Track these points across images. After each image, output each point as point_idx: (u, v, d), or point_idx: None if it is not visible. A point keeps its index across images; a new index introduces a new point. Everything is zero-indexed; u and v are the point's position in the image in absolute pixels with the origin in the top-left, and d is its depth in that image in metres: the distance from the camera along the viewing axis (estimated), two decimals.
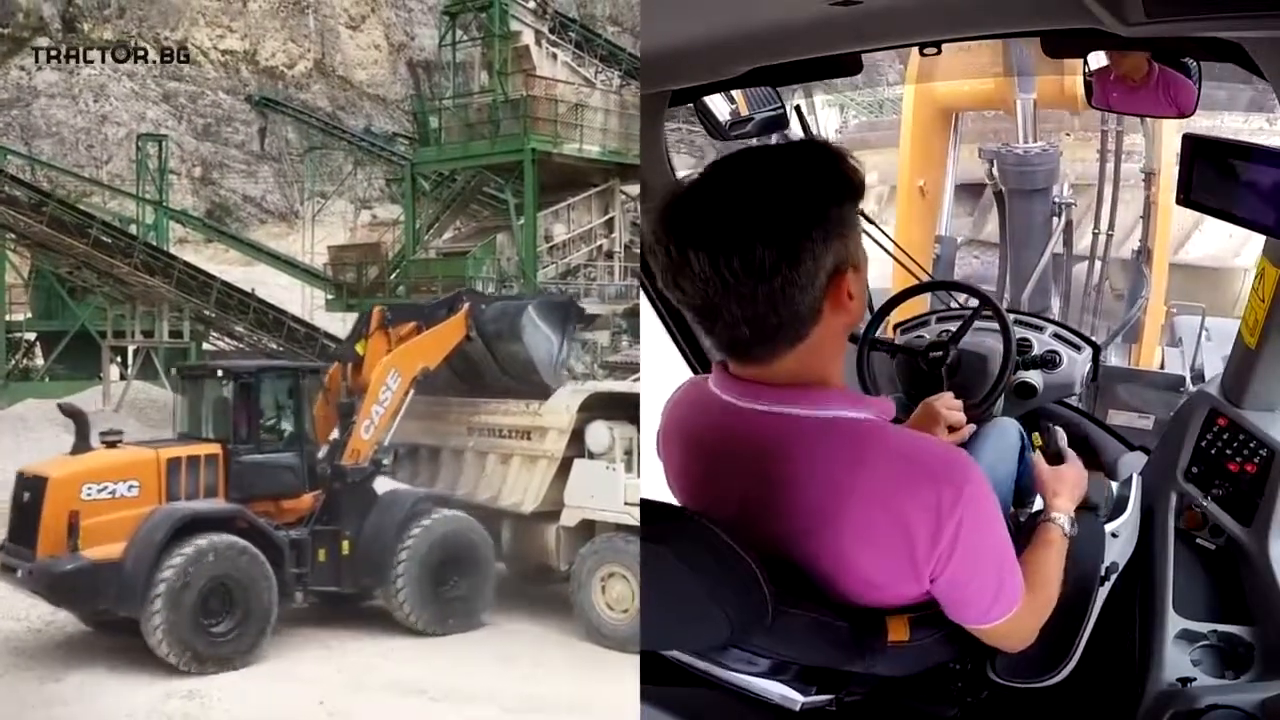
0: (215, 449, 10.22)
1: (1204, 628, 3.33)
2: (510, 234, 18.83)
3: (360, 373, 11.06)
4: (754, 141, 4.08)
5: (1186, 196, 2.76)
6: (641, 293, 5.02)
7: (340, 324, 18.12)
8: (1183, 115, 3.32)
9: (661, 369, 5.22)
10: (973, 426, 3.50)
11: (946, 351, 4.35)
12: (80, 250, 17.63)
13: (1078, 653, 2.94)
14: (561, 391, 11.90)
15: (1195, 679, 3.16)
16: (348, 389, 11.07)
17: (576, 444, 10.90)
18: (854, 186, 2.17)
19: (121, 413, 17.27)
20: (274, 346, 18.59)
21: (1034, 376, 4.52)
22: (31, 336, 20.34)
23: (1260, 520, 3.41)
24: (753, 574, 2.25)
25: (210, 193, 27.68)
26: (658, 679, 2.71)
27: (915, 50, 3.55)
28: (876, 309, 4.60)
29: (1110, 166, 10.10)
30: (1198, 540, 3.60)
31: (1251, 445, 3.54)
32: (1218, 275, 10.31)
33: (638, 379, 12.49)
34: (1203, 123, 8.78)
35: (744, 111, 4.09)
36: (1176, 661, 3.26)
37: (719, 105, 4.09)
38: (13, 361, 19.67)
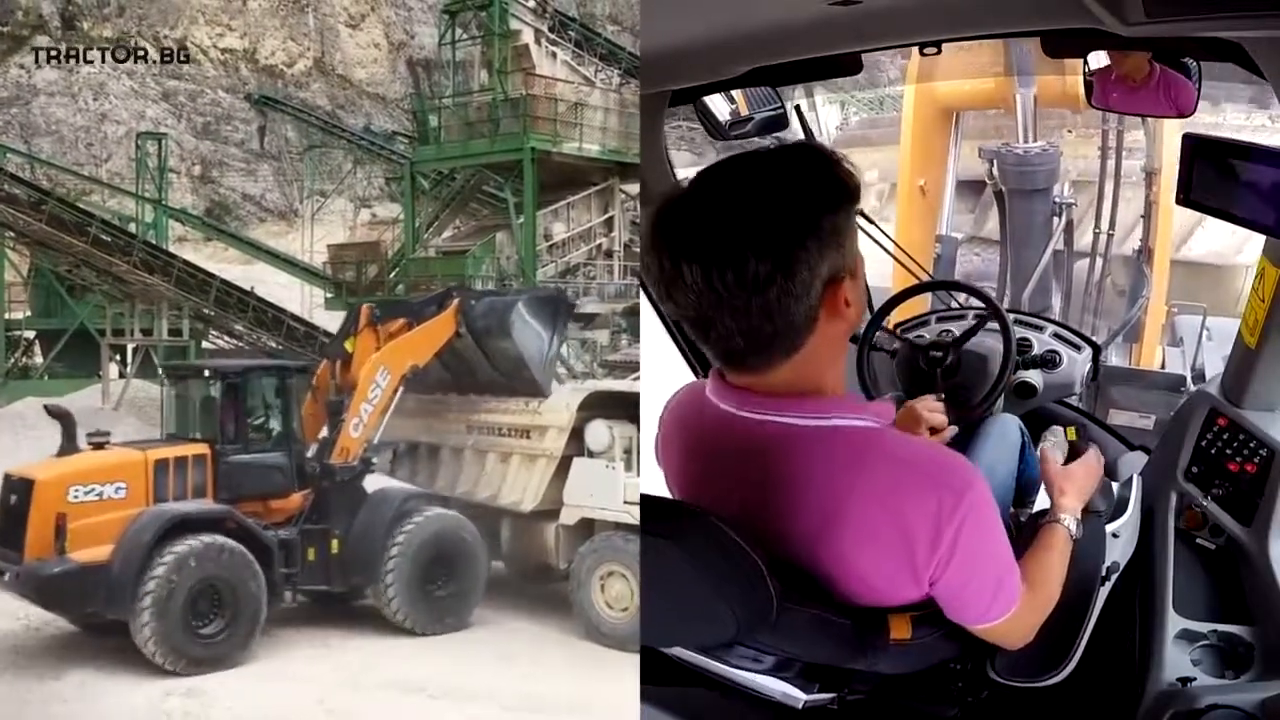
0: (203, 449, 10.18)
1: (1204, 628, 3.33)
2: (510, 233, 18.82)
3: (349, 370, 11.01)
4: (755, 144, 4.08)
5: (1186, 196, 2.77)
6: (641, 292, 5.03)
7: (339, 323, 18.09)
8: (1182, 115, 3.32)
9: (661, 368, 5.22)
10: (954, 429, 3.51)
11: (947, 351, 4.35)
12: (79, 248, 17.62)
13: (1078, 653, 2.94)
14: (561, 390, 11.90)
15: (1195, 679, 3.17)
16: (336, 387, 11.03)
17: (576, 443, 10.90)
18: (848, 192, 2.14)
19: (120, 411, 17.27)
20: (273, 345, 18.58)
21: (1034, 376, 4.52)
22: (31, 335, 20.30)
23: (1260, 520, 3.41)
24: (759, 570, 2.25)
25: (210, 191, 27.66)
26: (658, 677, 2.71)
27: (915, 50, 3.55)
28: (876, 309, 4.60)
29: (1111, 165, 10.08)
30: (1198, 540, 3.61)
31: (1251, 445, 3.54)
32: (1219, 273, 10.32)
33: (637, 378, 12.51)
34: (1205, 119, 8.78)
35: (744, 111, 4.10)
36: (1176, 661, 3.26)
37: (719, 105, 4.09)
38: (12, 360, 19.64)
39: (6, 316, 19.67)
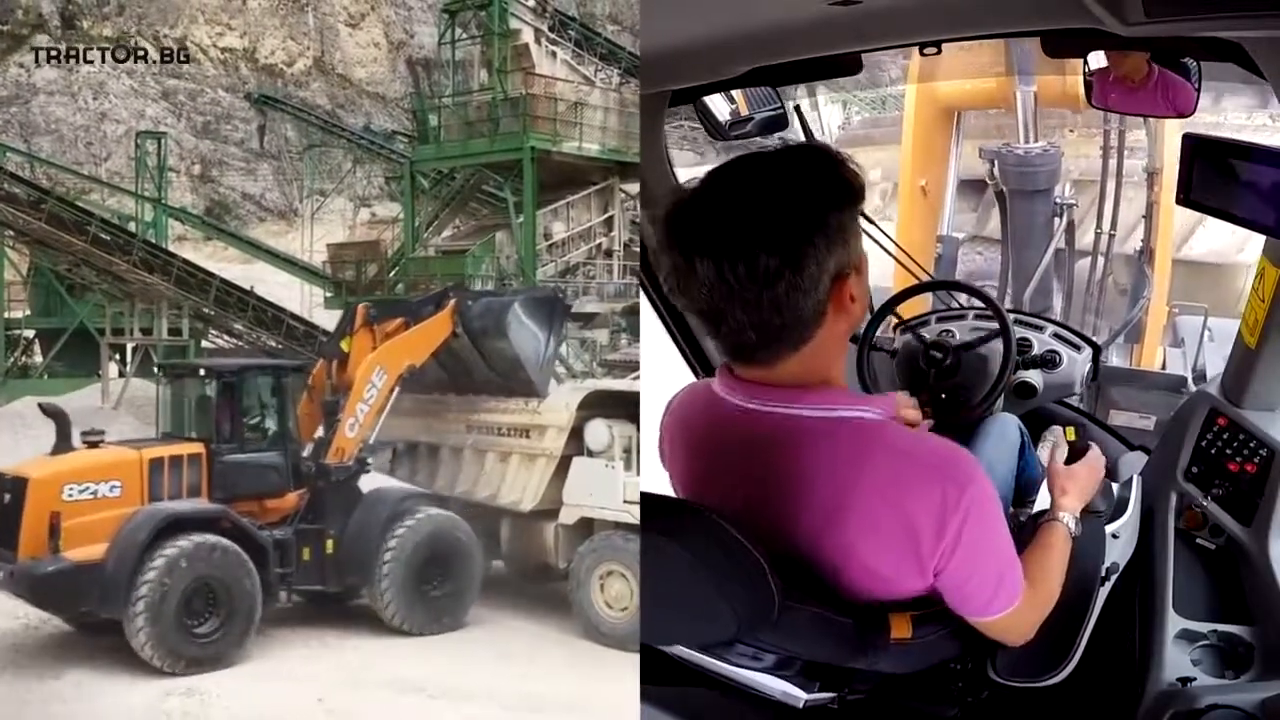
0: (198, 448, 10.14)
1: (1204, 628, 3.33)
2: (509, 232, 18.81)
3: (345, 370, 10.96)
4: (757, 144, 4.08)
5: (1186, 196, 2.77)
6: (641, 291, 5.02)
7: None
8: (1181, 116, 3.33)
9: (661, 367, 5.22)
10: (929, 423, 3.52)
11: (947, 352, 4.35)
12: (79, 247, 17.61)
13: (1078, 653, 2.94)
14: (561, 389, 11.89)
15: (1195, 679, 3.17)
16: (332, 387, 10.98)
17: (575, 442, 10.89)
18: (854, 191, 2.21)
19: (120, 410, 17.27)
20: (273, 344, 18.57)
21: (1034, 376, 4.52)
22: (30, 334, 20.29)
23: (1260, 520, 3.41)
24: (760, 568, 2.27)
25: (209, 190, 27.66)
26: (658, 677, 2.72)
27: (916, 49, 3.55)
28: (877, 309, 4.60)
29: (1113, 165, 10.06)
30: (1198, 540, 3.61)
31: (1251, 445, 3.54)
32: (1220, 271, 10.30)
33: (637, 377, 12.51)
34: (1206, 119, 8.76)
35: (744, 111, 4.09)
36: (1176, 661, 3.26)
37: (719, 105, 4.09)
38: (11, 359, 19.63)
39: (6, 315, 19.66)
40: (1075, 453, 2.99)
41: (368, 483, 10.89)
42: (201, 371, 11.07)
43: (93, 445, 9.95)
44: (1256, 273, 3.28)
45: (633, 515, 9.79)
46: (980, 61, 9.52)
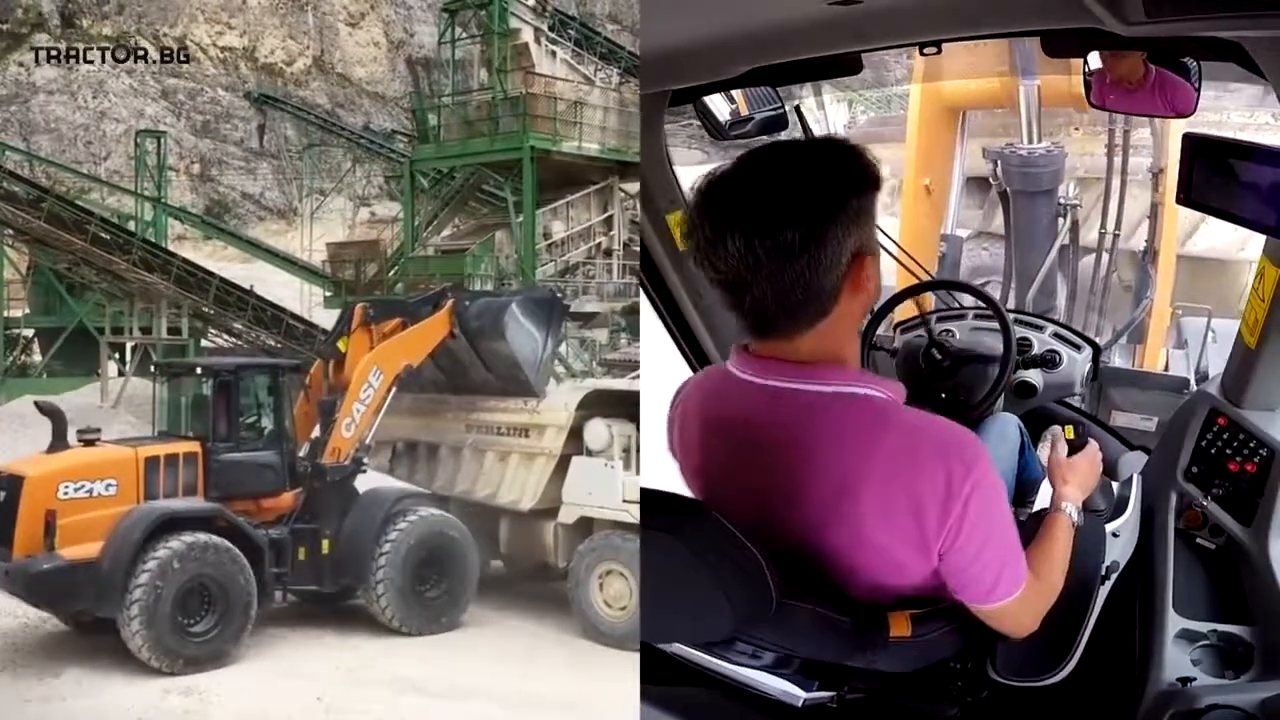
0: (194, 447, 10.11)
1: (1204, 627, 3.34)
2: (509, 232, 18.81)
3: (342, 370, 10.92)
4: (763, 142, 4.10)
5: (1186, 196, 2.77)
6: (641, 291, 5.02)
7: None
8: (1180, 116, 3.33)
9: (661, 366, 5.22)
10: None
11: (947, 351, 4.35)
12: (78, 246, 17.60)
13: (1078, 652, 2.94)
14: (560, 389, 11.88)
15: (1195, 679, 3.17)
16: (329, 386, 10.94)
17: (575, 441, 10.87)
18: (872, 179, 2.34)
19: (119, 409, 17.27)
20: (272, 343, 18.56)
21: (1034, 376, 4.52)
22: (29, 333, 20.29)
23: (1260, 520, 3.41)
24: (758, 563, 2.31)
25: (209, 189, 27.65)
26: (657, 676, 2.72)
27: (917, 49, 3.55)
28: (878, 308, 4.60)
29: (1118, 164, 10.00)
30: (1198, 540, 3.61)
31: (1251, 445, 3.54)
32: (1223, 268, 10.26)
33: (637, 376, 12.51)
34: (1209, 117, 8.74)
35: (744, 111, 4.10)
36: (1176, 661, 3.27)
37: (719, 105, 4.09)
38: (10, 358, 19.64)
39: (5, 314, 19.66)
40: (1074, 449, 3.01)
41: (364, 482, 10.86)
42: (198, 370, 11.04)
43: (89, 443, 9.92)
44: (1256, 272, 3.28)
45: (632, 514, 9.79)
46: (984, 60, 9.49)
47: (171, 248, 20.77)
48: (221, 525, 9.66)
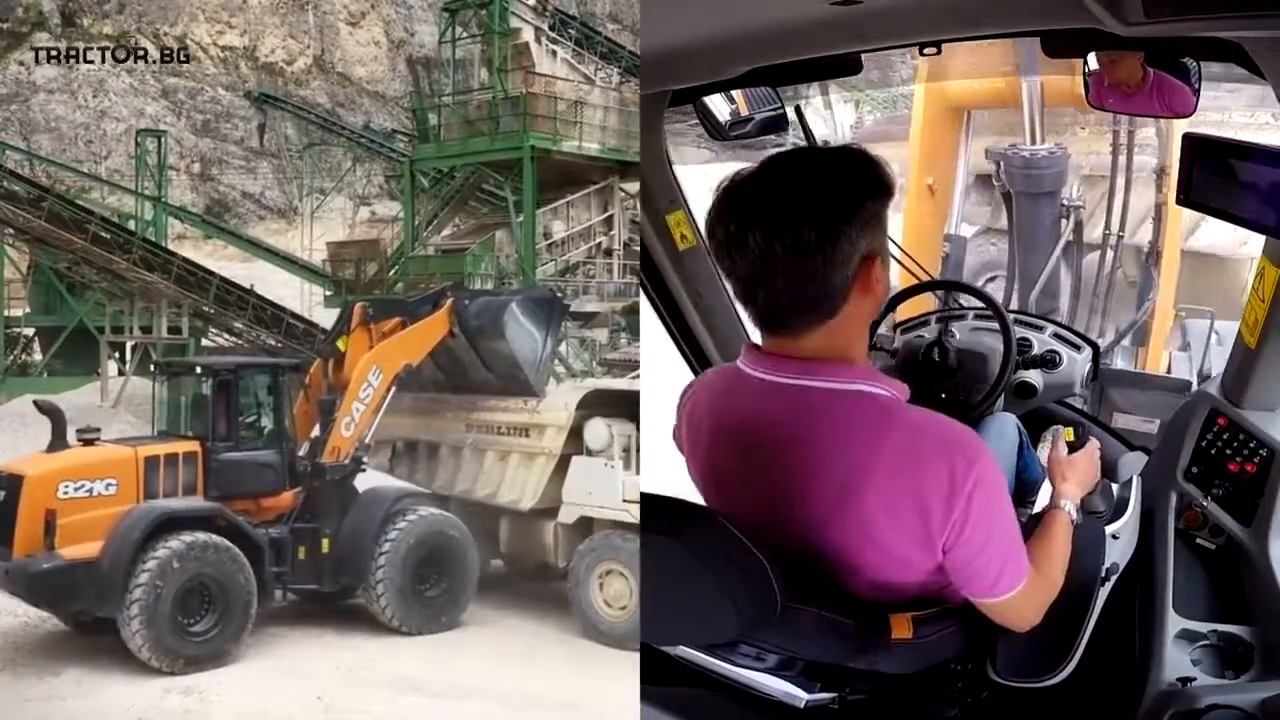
0: (194, 446, 10.10)
1: (1204, 628, 3.34)
2: (509, 231, 18.80)
3: (342, 369, 10.91)
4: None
5: (1186, 196, 2.77)
6: (641, 290, 5.02)
7: None
8: (1179, 117, 3.33)
9: (661, 366, 5.22)
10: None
11: (947, 351, 4.35)
12: (79, 246, 17.58)
13: (1078, 653, 2.94)
14: (560, 389, 11.88)
15: (1195, 679, 3.17)
16: (329, 386, 10.93)
17: (575, 441, 10.87)
18: (885, 186, 2.42)
19: (119, 409, 17.26)
20: (272, 343, 18.56)
21: (1034, 376, 4.52)
22: (30, 332, 20.29)
23: (1260, 520, 3.41)
24: (763, 567, 2.34)
25: (209, 189, 27.65)
26: (657, 676, 2.72)
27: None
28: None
29: (1122, 161, 9.93)
30: (1198, 540, 3.61)
31: (1251, 445, 3.54)
32: (1226, 266, 10.21)
33: (637, 376, 12.51)
34: (1212, 116, 8.71)
35: (744, 111, 4.10)
36: (1176, 661, 3.27)
37: (719, 105, 4.09)
38: (11, 357, 19.63)
39: (6, 314, 19.66)
40: (1074, 450, 3.02)
41: (364, 482, 10.85)
42: (198, 369, 11.01)
43: (88, 443, 9.91)
44: (1256, 273, 3.28)
45: (632, 514, 9.79)
46: (990, 60, 9.44)
47: (172, 247, 20.76)
48: (221, 525, 9.65)
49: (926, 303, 5.25)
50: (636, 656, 2.77)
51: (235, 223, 27.00)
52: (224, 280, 19.04)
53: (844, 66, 3.66)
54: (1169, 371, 8.12)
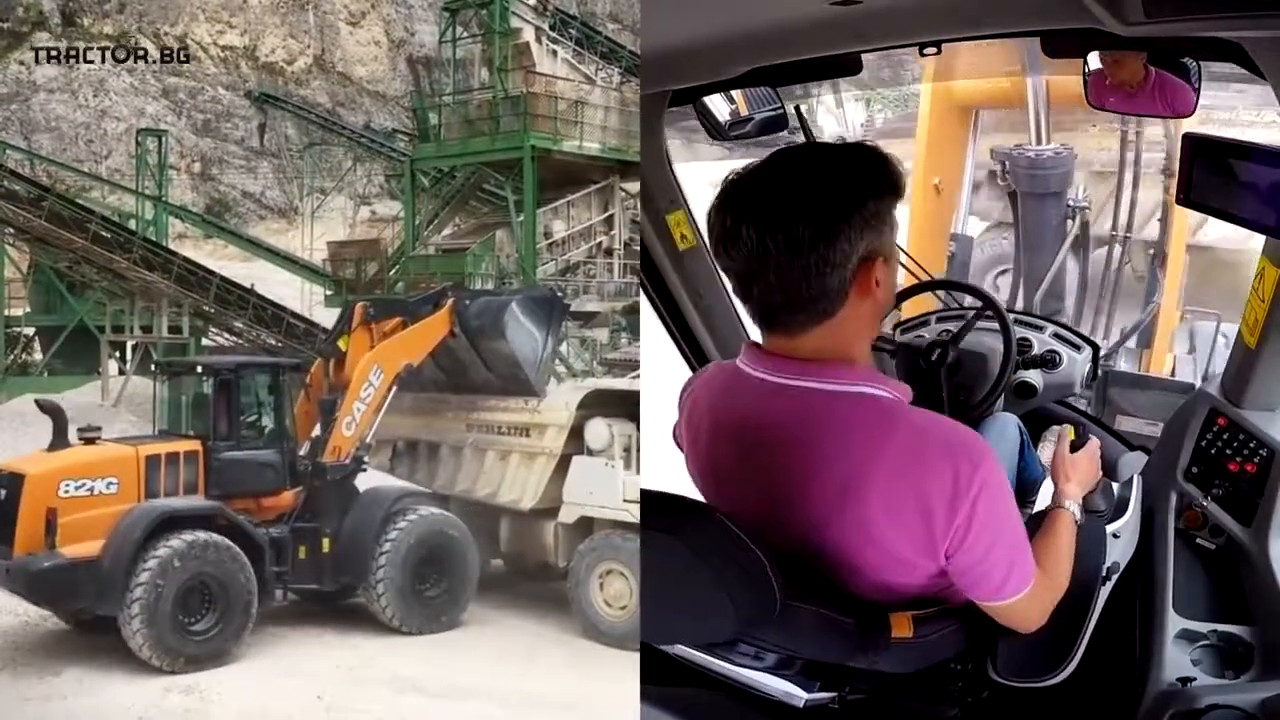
0: (195, 446, 10.10)
1: (1204, 628, 3.34)
2: (510, 231, 18.81)
3: (342, 369, 10.90)
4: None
5: (1186, 196, 2.77)
6: (641, 290, 5.03)
7: None
8: (1180, 116, 3.33)
9: (661, 366, 5.22)
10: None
11: (946, 351, 4.34)
12: (79, 245, 17.58)
13: (1078, 653, 2.94)
14: (561, 388, 11.87)
15: (1195, 679, 3.17)
16: (330, 385, 10.93)
17: (575, 441, 10.86)
18: (893, 184, 2.37)
19: (120, 408, 17.26)
20: (273, 342, 18.56)
21: (1034, 376, 4.50)
22: (30, 331, 20.29)
23: (1260, 520, 3.41)
24: (761, 565, 2.32)
25: (210, 188, 27.66)
26: (657, 676, 2.72)
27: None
28: None
29: (1130, 164, 9.87)
30: (1198, 540, 3.61)
31: (1251, 445, 3.54)
32: (1234, 265, 10.15)
33: (637, 376, 12.50)
34: (1220, 115, 8.68)
35: (744, 111, 4.10)
36: (1176, 661, 3.27)
37: (719, 105, 4.09)
38: (11, 356, 19.63)
39: (6, 313, 19.66)
40: (1074, 448, 3.01)
41: (364, 481, 10.85)
42: (199, 369, 11.02)
43: (89, 442, 9.91)
44: (1256, 273, 3.28)
45: (632, 514, 9.78)
46: (998, 59, 9.39)
47: (172, 246, 20.74)
48: (222, 524, 9.65)
49: (927, 302, 5.25)
50: (636, 656, 2.76)
51: (236, 222, 27.01)
52: (224, 280, 19.04)
53: (844, 66, 3.67)
54: (1173, 374, 8.09)
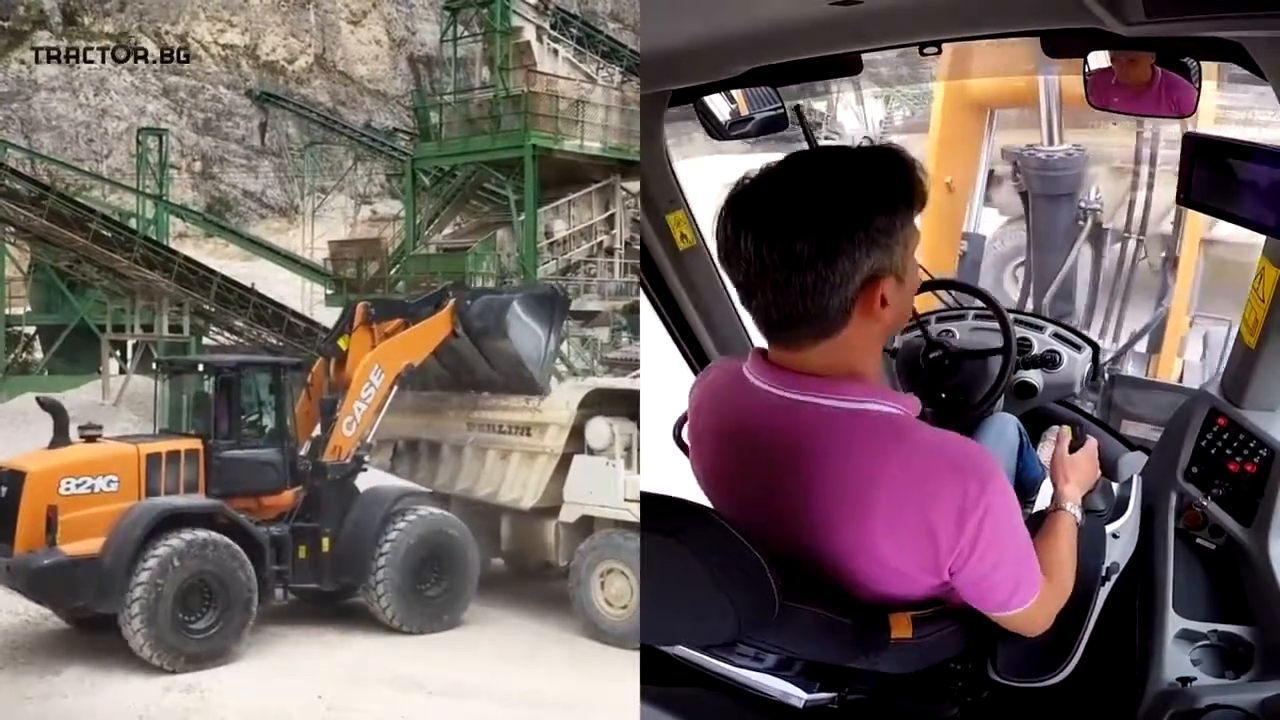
0: (196, 444, 10.10)
1: (1204, 628, 3.34)
2: (510, 230, 18.81)
3: (343, 369, 10.91)
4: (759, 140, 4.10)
5: (1187, 197, 2.77)
6: (641, 290, 5.03)
7: None
8: (1182, 115, 3.33)
9: (661, 366, 5.22)
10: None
11: (946, 351, 4.34)
12: (80, 244, 17.59)
13: (1078, 653, 2.94)
14: (562, 388, 11.87)
15: (1195, 679, 3.17)
16: (331, 385, 10.94)
17: (576, 440, 10.87)
18: (910, 196, 2.24)
19: (121, 407, 17.26)
20: (274, 341, 18.57)
21: (1034, 376, 4.50)
22: (31, 330, 20.32)
23: (1260, 520, 3.41)
24: (760, 567, 2.29)
25: (210, 187, 27.69)
26: (657, 676, 2.72)
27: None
28: None
29: (1145, 164, 9.80)
30: (1198, 540, 3.61)
31: (1251, 445, 3.54)
32: (1247, 264, 10.04)
33: (638, 375, 12.50)
34: (1236, 114, 8.65)
35: (744, 111, 4.09)
36: (1176, 661, 3.27)
37: (719, 105, 4.09)
38: (12, 356, 19.66)
39: (7, 312, 19.68)
40: (1072, 448, 3.01)
41: (365, 481, 10.85)
42: (200, 368, 11.04)
43: (90, 440, 9.92)
44: (1256, 273, 3.28)
45: (633, 513, 9.78)
46: (1011, 58, 9.31)
47: (173, 245, 20.76)
48: (222, 522, 9.65)
49: (928, 302, 5.25)
50: (637, 656, 2.76)
51: (236, 221, 27.04)
52: (225, 279, 19.05)
53: (844, 66, 3.66)
54: (1180, 379, 8.04)
